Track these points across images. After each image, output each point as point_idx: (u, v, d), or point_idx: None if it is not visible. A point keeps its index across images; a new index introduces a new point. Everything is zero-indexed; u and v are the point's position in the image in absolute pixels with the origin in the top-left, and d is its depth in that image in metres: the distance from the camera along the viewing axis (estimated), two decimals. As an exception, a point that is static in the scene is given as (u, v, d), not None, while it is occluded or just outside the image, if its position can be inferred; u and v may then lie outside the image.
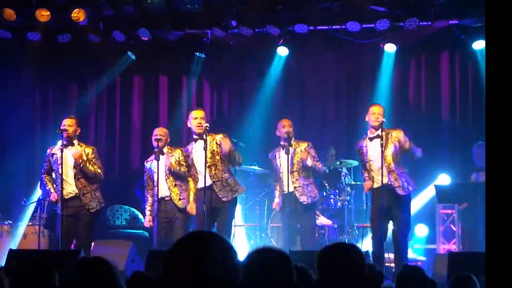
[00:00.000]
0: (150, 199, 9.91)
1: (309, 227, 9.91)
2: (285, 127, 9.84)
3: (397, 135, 9.20)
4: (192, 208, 9.59)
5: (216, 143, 9.45)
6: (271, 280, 3.21)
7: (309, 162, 9.79)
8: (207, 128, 9.33)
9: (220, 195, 9.39)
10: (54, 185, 9.74)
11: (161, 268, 2.54)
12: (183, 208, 9.67)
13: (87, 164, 9.62)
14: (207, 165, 9.31)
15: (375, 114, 9.22)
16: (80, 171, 9.62)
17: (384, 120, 9.21)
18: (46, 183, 9.81)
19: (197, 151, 9.43)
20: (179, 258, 2.53)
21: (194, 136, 9.51)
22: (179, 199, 9.75)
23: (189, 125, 9.57)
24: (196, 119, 9.45)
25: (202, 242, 2.56)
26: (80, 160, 9.57)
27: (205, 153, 9.25)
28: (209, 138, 9.41)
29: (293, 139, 9.91)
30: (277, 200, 10.08)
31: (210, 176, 9.37)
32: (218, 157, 9.44)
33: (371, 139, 9.22)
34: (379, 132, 9.15)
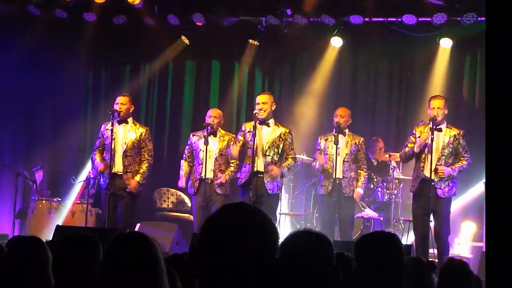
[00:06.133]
0: (186, 169, 10.05)
1: (349, 219, 9.91)
2: (337, 116, 9.88)
3: (458, 137, 9.21)
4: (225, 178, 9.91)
5: (280, 136, 9.53)
6: (309, 261, 3.16)
7: (359, 157, 9.83)
8: (257, 114, 9.42)
9: (266, 186, 9.48)
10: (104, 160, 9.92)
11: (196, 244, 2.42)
12: (222, 194, 9.81)
13: (140, 179, 9.90)
14: (263, 151, 9.53)
15: (434, 110, 9.21)
16: (131, 149, 9.77)
17: (445, 112, 9.23)
18: (96, 159, 9.96)
19: (260, 134, 9.51)
20: (211, 232, 2.38)
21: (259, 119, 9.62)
22: (219, 185, 9.87)
23: None
24: (258, 104, 9.58)
25: (239, 215, 2.40)
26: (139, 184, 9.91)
27: (254, 139, 9.35)
28: (273, 126, 9.49)
29: (348, 130, 9.92)
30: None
31: (264, 162, 9.45)
32: (276, 149, 9.53)
33: (432, 130, 9.14)
34: (442, 126, 9.17)
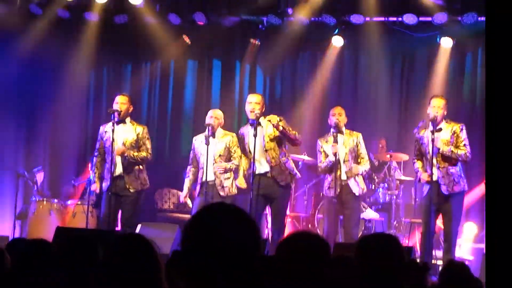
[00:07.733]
0: (191, 177, 9.98)
1: (354, 219, 9.74)
2: (334, 115, 9.76)
3: (456, 130, 9.10)
4: (241, 183, 9.70)
5: (273, 125, 9.45)
6: (305, 263, 3.15)
7: (359, 152, 9.74)
8: (257, 115, 9.37)
9: (278, 179, 9.42)
10: (103, 167, 9.85)
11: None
12: (225, 196, 9.73)
13: (131, 154, 9.71)
14: (264, 149, 9.44)
15: (435, 108, 9.13)
16: (130, 150, 9.74)
17: (444, 112, 9.14)
18: (94, 169, 9.91)
19: (252, 136, 9.45)
20: (190, 233, 2.47)
21: (250, 121, 9.54)
22: (222, 186, 9.80)
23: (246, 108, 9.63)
24: (250, 103, 9.52)
25: (212, 215, 2.47)
26: (125, 154, 9.69)
27: (255, 140, 9.30)
28: (265, 122, 9.45)
29: (344, 128, 9.80)
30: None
31: (267, 161, 9.41)
32: (275, 142, 9.48)
33: (433, 132, 9.05)
34: (442, 125, 9.07)
